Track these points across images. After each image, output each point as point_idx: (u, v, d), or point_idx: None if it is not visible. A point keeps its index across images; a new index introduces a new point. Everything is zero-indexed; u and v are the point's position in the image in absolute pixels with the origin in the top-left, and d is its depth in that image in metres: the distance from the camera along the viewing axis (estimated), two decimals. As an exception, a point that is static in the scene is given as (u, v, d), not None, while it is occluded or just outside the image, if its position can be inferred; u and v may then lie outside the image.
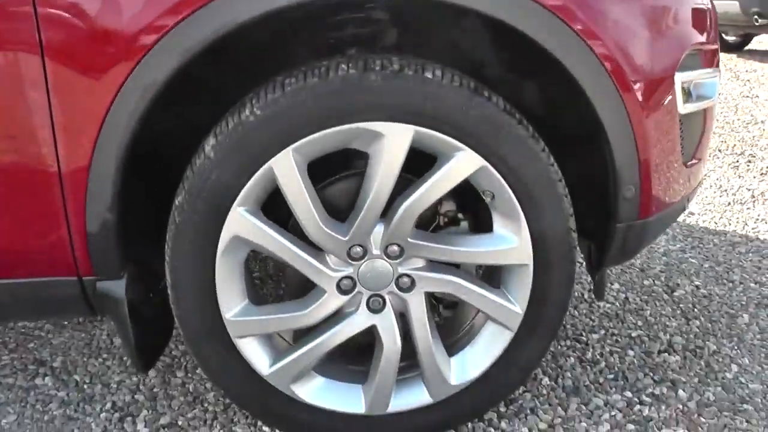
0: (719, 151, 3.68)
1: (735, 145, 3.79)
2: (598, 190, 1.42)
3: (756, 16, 6.60)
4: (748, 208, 2.85)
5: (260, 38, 1.41)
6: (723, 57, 7.58)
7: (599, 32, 1.26)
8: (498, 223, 1.33)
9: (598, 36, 1.26)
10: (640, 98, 1.32)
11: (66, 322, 2.05)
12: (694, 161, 1.58)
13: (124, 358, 1.84)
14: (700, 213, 2.80)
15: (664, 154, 1.41)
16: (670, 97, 1.39)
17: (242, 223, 1.25)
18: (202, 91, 1.42)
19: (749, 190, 3.07)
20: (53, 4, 1.12)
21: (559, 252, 1.34)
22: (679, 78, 1.40)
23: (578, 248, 1.46)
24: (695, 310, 2.02)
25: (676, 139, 1.44)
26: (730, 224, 2.68)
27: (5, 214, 1.23)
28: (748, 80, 5.92)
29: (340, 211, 1.34)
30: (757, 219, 2.73)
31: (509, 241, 1.33)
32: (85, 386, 1.73)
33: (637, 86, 1.31)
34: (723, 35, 7.93)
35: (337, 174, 1.40)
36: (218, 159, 1.22)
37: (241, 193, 1.24)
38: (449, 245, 1.33)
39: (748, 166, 3.41)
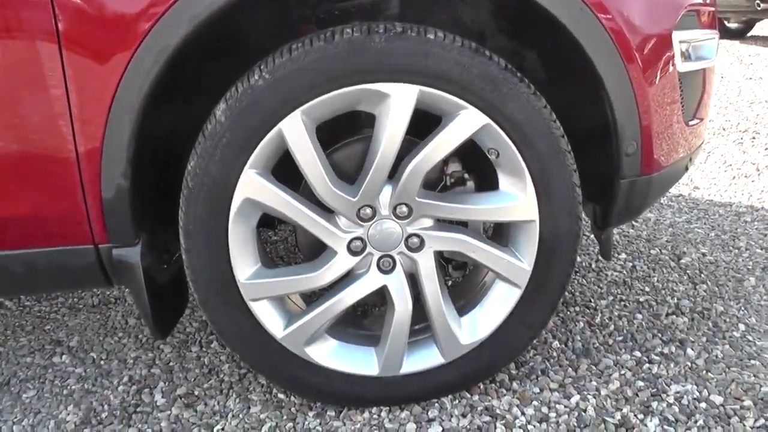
0: (723, 129, 3.69)
1: (739, 123, 3.80)
2: (601, 148, 1.45)
3: (758, 1, 6.60)
4: (752, 181, 2.87)
5: (259, 20, 1.44)
6: (725, 43, 7.60)
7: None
8: (503, 181, 1.36)
9: None
10: (638, 54, 1.34)
11: (81, 306, 2.08)
12: (695, 120, 1.60)
13: (140, 336, 1.87)
14: (706, 187, 2.82)
15: (665, 111, 1.43)
16: (668, 54, 1.41)
17: (253, 185, 1.28)
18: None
19: (753, 164, 3.08)
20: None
21: (564, 207, 1.36)
22: (677, 36, 1.43)
23: (583, 209, 1.49)
24: (702, 275, 2.03)
25: (676, 96, 1.46)
26: (735, 196, 2.70)
27: (20, 181, 1.26)
28: (751, 63, 5.93)
29: (349, 176, 1.37)
30: (762, 191, 2.74)
31: (515, 197, 1.35)
32: (102, 362, 1.76)
33: (635, 42, 1.34)
34: (725, 22, 7.94)
35: (346, 140, 1.43)
36: (229, 123, 1.25)
37: (252, 156, 1.27)
38: (456, 203, 1.36)
39: (752, 142, 3.43)
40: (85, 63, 1.19)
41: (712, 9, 1.65)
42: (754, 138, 3.50)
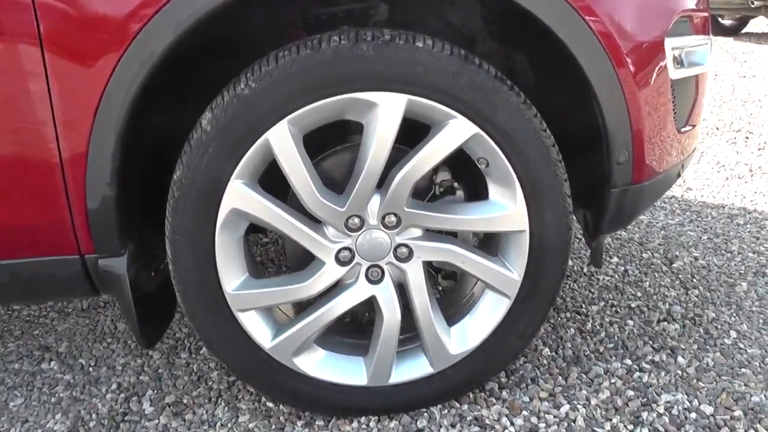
0: (717, 128, 3.69)
1: (732, 122, 3.80)
2: (592, 156, 1.44)
3: (752, -2, 6.60)
4: (746, 182, 2.87)
5: (249, 24, 1.43)
6: (720, 40, 7.60)
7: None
8: (493, 190, 1.35)
9: (586, 1, 1.27)
10: (630, 62, 1.33)
11: (70, 310, 2.07)
12: (687, 127, 1.59)
13: (129, 342, 1.86)
14: (699, 188, 2.82)
15: (657, 119, 1.42)
16: (660, 61, 1.40)
17: (240, 195, 1.27)
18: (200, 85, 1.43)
19: (746, 164, 3.08)
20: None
21: (554, 217, 1.35)
22: (669, 43, 1.41)
23: (575, 217, 1.48)
24: (694, 280, 2.03)
25: (668, 104, 1.45)
26: (728, 198, 2.70)
27: (3, 192, 1.25)
28: (745, 61, 5.92)
29: (337, 184, 1.35)
30: (755, 192, 2.74)
31: (505, 207, 1.34)
32: (91, 369, 1.74)
33: (626, 50, 1.32)
34: (719, 19, 7.94)
35: (334, 147, 1.41)
36: (215, 133, 1.23)
37: (239, 166, 1.25)
38: (445, 213, 1.35)
39: (745, 142, 3.42)
40: (68, 73, 1.17)
41: (705, 14, 1.63)
42: (747, 138, 3.49)
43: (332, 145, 1.42)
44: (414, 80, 1.23)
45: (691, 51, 1.53)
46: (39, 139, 1.20)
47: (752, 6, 6.75)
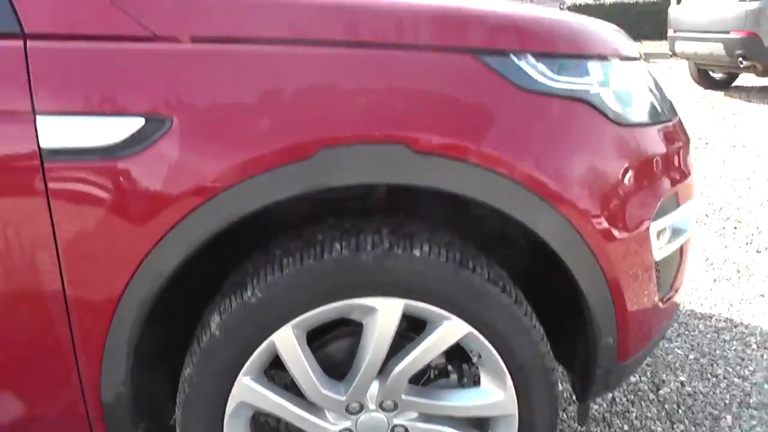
0: (706, 215, 3.78)
1: (721, 208, 3.89)
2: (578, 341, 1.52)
3: (740, 59, 6.76)
4: (733, 285, 2.95)
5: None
6: (709, 94, 7.74)
7: (570, 198, 1.33)
8: (485, 379, 1.43)
9: (571, 202, 1.33)
10: (615, 259, 1.40)
11: None
12: (671, 293, 1.67)
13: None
14: (687, 292, 2.90)
15: (642, 301, 1.50)
16: (645, 248, 1.47)
17: (247, 391, 1.35)
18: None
19: (734, 263, 3.16)
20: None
21: (542, 402, 1.44)
22: (655, 228, 1.48)
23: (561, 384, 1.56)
24: (680, 411, 2.10)
25: (652, 283, 1.53)
26: (715, 306, 2.78)
27: (26, 391, 1.33)
28: (735, 125, 6.04)
29: (338, 367, 1.43)
30: (742, 299, 2.82)
31: (495, 395, 1.43)
32: None
33: (611, 247, 1.39)
34: (710, 72, 8.10)
35: (334, 329, 1.49)
36: (223, 338, 1.31)
37: (246, 365, 1.33)
38: (440, 401, 1.43)
39: (733, 234, 3.52)
40: (84, 292, 1.26)
41: (690, 181, 1.69)
42: (735, 228, 3.58)
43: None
44: (411, 287, 1.32)
45: (676, 222, 1.59)
46: (57, 348, 1.29)
47: (741, 66, 6.92)
